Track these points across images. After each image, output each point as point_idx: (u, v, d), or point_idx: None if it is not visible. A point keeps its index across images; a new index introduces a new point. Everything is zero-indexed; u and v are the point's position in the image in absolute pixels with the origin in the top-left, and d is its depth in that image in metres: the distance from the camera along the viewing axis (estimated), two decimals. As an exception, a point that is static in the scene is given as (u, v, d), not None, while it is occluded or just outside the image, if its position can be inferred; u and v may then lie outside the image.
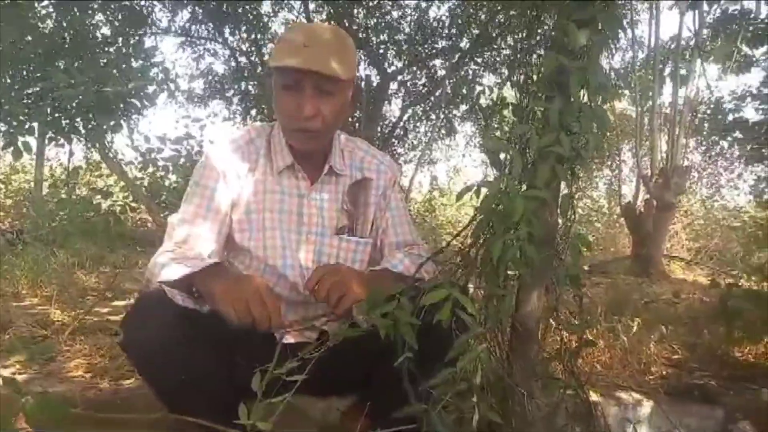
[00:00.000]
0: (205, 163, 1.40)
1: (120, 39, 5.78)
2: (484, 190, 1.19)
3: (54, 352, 1.69)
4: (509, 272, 1.14)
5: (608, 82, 1.35)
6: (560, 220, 1.22)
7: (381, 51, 6.42)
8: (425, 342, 1.15)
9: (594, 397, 1.69)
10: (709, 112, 7.06)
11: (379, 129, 6.82)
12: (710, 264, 7.00)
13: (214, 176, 1.37)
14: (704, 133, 7.25)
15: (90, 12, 5.70)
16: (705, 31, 5.37)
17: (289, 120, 1.33)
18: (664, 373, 1.98)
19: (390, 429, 1.17)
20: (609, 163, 8.75)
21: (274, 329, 1.19)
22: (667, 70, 6.83)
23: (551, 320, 1.21)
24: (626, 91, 7.99)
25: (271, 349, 1.18)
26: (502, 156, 1.20)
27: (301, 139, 1.36)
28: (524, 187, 1.20)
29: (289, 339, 1.38)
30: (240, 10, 6.12)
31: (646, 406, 1.71)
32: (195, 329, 1.20)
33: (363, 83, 6.74)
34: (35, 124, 5.22)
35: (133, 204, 5.37)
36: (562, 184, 1.25)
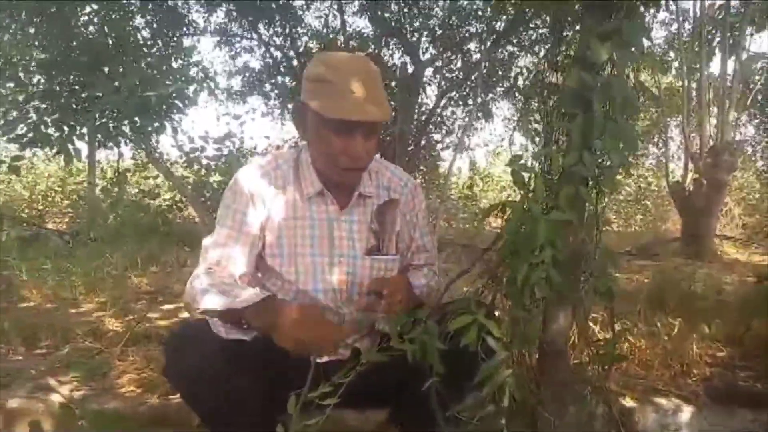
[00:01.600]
0: (235, 187, 1.44)
1: (159, 41, 5.93)
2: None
3: (108, 368, 1.79)
4: (535, 294, 1.14)
5: (635, 98, 1.31)
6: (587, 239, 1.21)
7: (414, 38, 6.36)
8: (453, 365, 1.17)
9: (630, 403, 1.67)
10: (762, 82, 6.72)
11: (415, 117, 6.79)
12: (765, 242, 6.73)
13: (244, 200, 1.41)
14: (758, 105, 6.91)
15: (129, 15, 5.86)
16: None
17: (336, 161, 1.35)
18: (708, 373, 1.94)
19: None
20: (656, 140, 8.47)
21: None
22: (716, 41, 6.51)
23: (581, 338, 1.21)
24: (674, 64, 7.69)
25: (307, 370, 1.23)
26: (525, 176, 1.20)
27: (347, 177, 1.39)
28: (549, 206, 1.20)
29: (324, 358, 1.42)
30: (273, 5, 6.16)
31: (686, 411, 1.69)
32: (235, 358, 1.26)
33: (398, 72, 6.71)
34: (84, 130, 5.45)
35: (179, 204, 5.54)
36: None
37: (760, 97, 6.68)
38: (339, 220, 1.45)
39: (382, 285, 1.36)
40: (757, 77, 6.74)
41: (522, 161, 1.22)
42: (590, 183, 1.21)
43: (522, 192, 1.20)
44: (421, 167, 7.27)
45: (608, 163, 1.21)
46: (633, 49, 1.20)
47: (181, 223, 5.81)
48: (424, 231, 1.56)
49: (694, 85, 6.26)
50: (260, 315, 1.26)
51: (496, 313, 1.21)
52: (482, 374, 1.10)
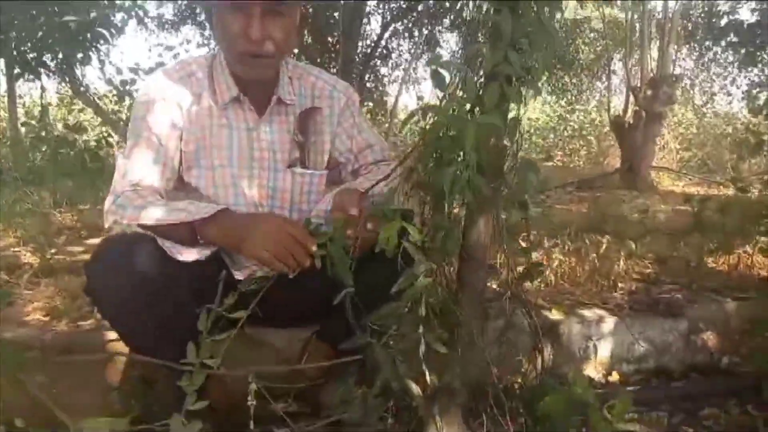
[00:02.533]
0: (147, 96, 1.32)
1: (80, -37, 5.44)
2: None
3: (13, 297, 1.68)
4: (455, 201, 1.10)
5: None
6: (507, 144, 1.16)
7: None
8: (372, 273, 1.13)
9: (557, 316, 1.69)
10: (702, 15, 6.78)
11: (359, 49, 6.57)
12: (699, 174, 6.99)
13: (159, 109, 1.30)
14: (697, 38, 7.00)
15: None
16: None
17: (235, 45, 1.24)
18: (633, 288, 1.99)
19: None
20: (599, 74, 8.52)
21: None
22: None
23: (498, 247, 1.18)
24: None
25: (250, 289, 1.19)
26: (447, 76, 1.14)
27: (250, 66, 1.27)
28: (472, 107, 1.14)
29: (245, 274, 1.36)
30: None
31: (609, 322, 1.72)
32: (166, 274, 1.18)
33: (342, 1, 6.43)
34: (1, 62, 5.04)
35: (110, 140, 5.26)
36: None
37: (699, 30, 6.75)
38: (258, 130, 1.35)
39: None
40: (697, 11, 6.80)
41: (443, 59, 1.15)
42: (514, 84, 1.15)
43: (440, 94, 1.13)
44: (368, 103, 7.11)
45: (534, 63, 1.16)
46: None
47: (114, 161, 5.52)
48: (364, 127, 1.47)
49: (637, 17, 6.26)
50: (224, 227, 1.19)
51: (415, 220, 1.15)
52: (401, 283, 1.06)
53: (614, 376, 1.69)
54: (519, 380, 1.34)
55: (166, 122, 1.30)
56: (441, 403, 1.15)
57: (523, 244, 1.34)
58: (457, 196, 1.10)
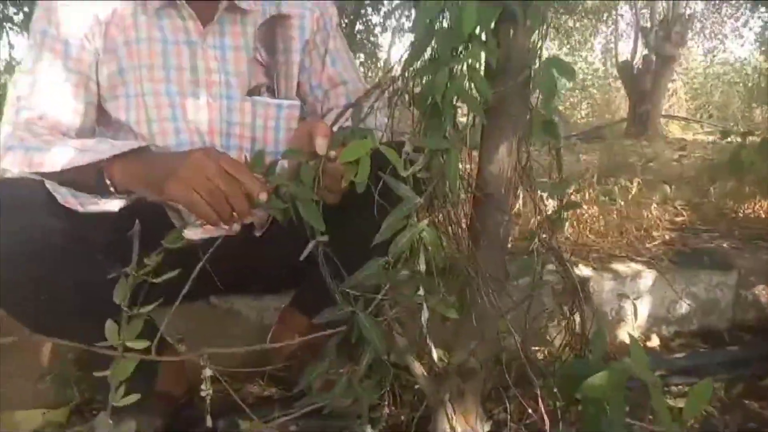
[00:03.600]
0: (52, 4, 1.01)
1: None
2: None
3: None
4: (457, 116, 0.80)
5: None
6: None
7: None
8: (354, 223, 0.86)
9: (586, 271, 1.42)
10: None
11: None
12: (710, 121, 6.69)
13: (69, 21, 0.99)
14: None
15: None
16: None
17: None
18: (667, 238, 1.72)
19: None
20: (605, 18, 8.09)
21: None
22: None
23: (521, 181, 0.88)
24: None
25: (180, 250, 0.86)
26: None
27: None
28: None
29: (198, 234, 1.05)
30: None
31: (647, 277, 1.45)
32: (67, 232, 0.86)
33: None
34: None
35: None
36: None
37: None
38: (204, 44, 1.04)
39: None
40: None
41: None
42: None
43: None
44: (359, 54, 6.72)
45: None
46: None
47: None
48: (340, 56, 1.16)
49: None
50: (139, 166, 0.90)
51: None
52: (387, 229, 0.77)
53: (654, 341, 1.42)
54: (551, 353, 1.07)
55: (77, 34, 0.99)
56: (453, 385, 0.88)
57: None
58: (459, 110, 0.80)
